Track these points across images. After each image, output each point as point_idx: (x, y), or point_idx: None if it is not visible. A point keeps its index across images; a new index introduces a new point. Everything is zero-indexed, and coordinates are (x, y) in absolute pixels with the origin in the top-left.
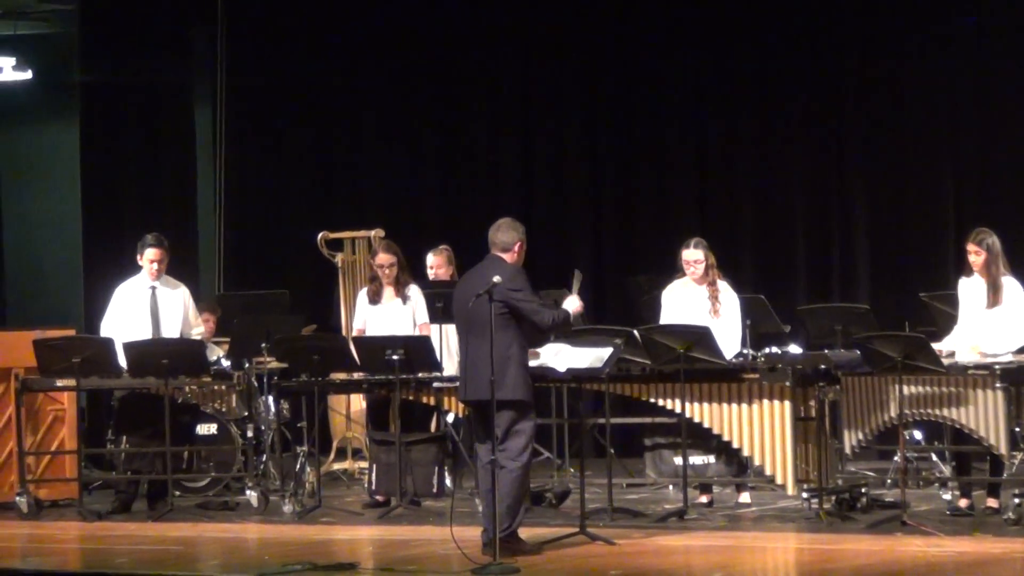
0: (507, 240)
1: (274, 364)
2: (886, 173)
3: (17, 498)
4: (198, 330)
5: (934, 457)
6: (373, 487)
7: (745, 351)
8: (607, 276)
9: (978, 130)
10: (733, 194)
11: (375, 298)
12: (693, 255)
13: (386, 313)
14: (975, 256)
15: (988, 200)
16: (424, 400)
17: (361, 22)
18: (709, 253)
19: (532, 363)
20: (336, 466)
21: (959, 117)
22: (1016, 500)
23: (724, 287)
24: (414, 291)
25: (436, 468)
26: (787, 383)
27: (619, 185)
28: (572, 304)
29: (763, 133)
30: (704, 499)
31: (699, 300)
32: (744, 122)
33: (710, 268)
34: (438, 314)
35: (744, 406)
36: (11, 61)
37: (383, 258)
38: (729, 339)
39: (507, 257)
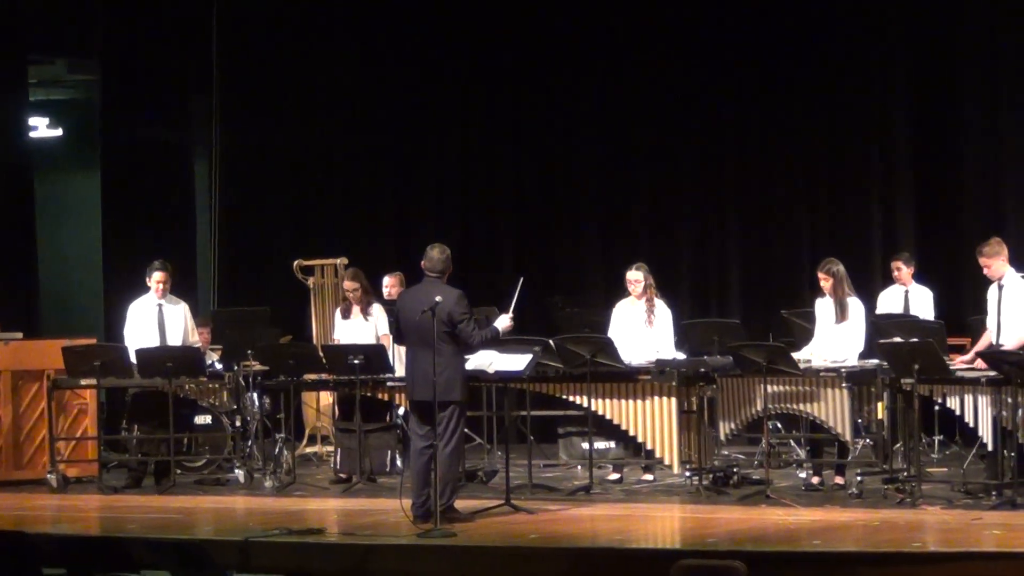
0: (440, 264)
1: (258, 367)
2: (756, 212)
3: (48, 475)
4: (195, 342)
5: (792, 443)
6: (338, 466)
7: (677, 356)
8: (529, 295)
9: (828, 176)
10: (632, 225)
11: (345, 315)
12: (633, 276)
13: (353, 327)
14: (824, 281)
15: (836, 235)
16: (380, 396)
17: (325, 90)
18: (648, 275)
19: (468, 366)
20: (308, 449)
21: (813, 167)
22: (859, 478)
23: (660, 304)
24: (376, 309)
25: (389, 451)
26: (673, 383)
27: (539, 218)
28: (503, 323)
29: (658, 175)
30: (615, 476)
31: (638, 314)
32: (644, 164)
33: (648, 287)
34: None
35: (639, 401)
36: (45, 121)
37: (348, 284)
38: (660, 346)
39: (443, 279)
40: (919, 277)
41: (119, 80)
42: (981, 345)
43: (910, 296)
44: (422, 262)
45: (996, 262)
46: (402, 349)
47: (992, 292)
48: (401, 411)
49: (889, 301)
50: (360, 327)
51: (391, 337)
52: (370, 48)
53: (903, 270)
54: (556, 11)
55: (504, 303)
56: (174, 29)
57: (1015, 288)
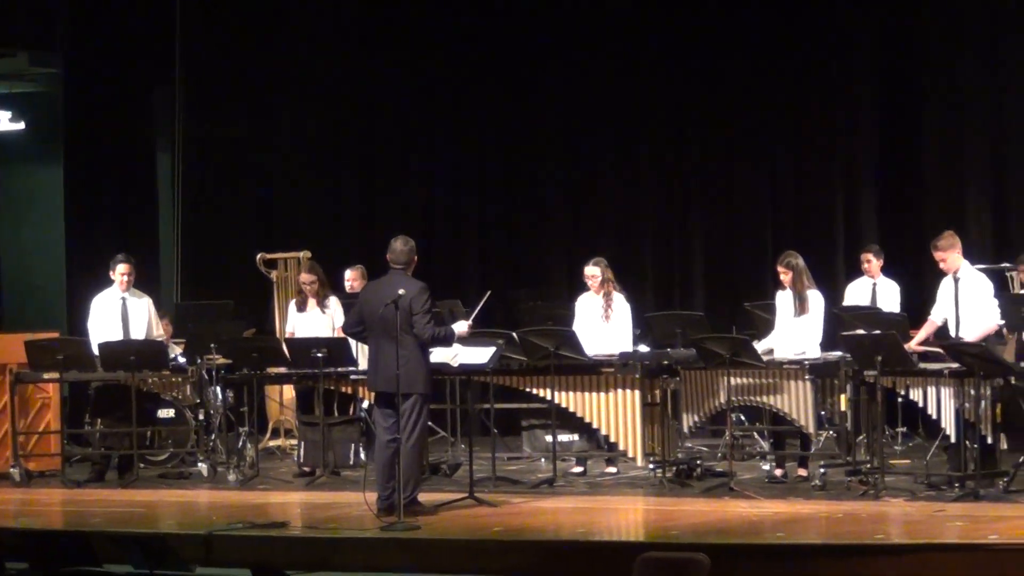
0: (404, 256)
1: (221, 360)
2: (719, 206)
3: (11, 469)
4: (160, 335)
5: (755, 435)
6: (301, 460)
7: (636, 349)
8: (492, 290)
9: (791, 170)
10: (596, 219)
11: (301, 307)
12: (590, 271)
13: (310, 320)
14: (783, 275)
15: (798, 228)
16: (343, 389)
17: (288, 84)
18: (606, 269)
19: (432, 359)
20: (271, 443)
21: (777, 162)
22: (821, 470)
23: (618, 298)
24: (332, 302)
25: (353, 444)
26: (637, 375)
27: (502, 211)
28: (460, 328)
29: (622, 169)
30: (578, 469)
31: (597, 307)
32: (607, 157)
33: (605, 281)
34: None
35: (602, 394)
36: (7, 115)
37: (305, 277)
38: (618, 339)
39: (407, 271)
40: (885, 270)
41: (82, 73)
42: (925, 333)
43: (877, 289)
44: (387, 254)
45: (951, 255)
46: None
47: (947, 285)
48: (365, 404)
49: (857, 293)
50: (316, 320)
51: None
52: (332, 42)
53: (872, 263)
54: (518, 7)
55: (468, 310)
56: (136, 22)
57: (972, 281)
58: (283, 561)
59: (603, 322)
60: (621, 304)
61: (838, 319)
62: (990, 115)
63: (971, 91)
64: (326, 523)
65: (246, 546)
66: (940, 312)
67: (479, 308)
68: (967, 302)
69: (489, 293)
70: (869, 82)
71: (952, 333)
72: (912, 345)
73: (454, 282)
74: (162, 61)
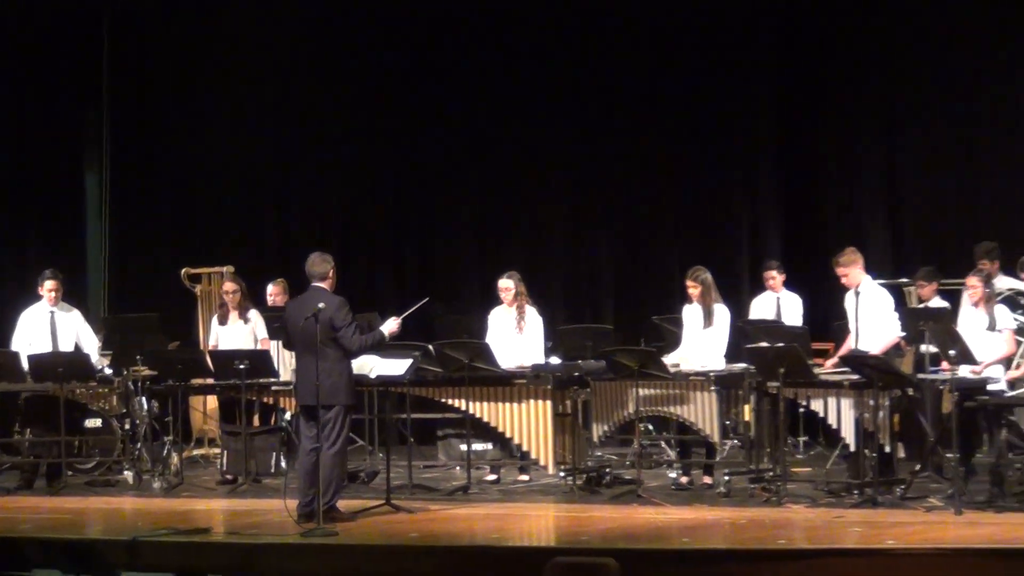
0: (322, 271)
1: (146, 372)
2: (628, 222)
3: None
4: (94, 344)
5: (663, 444)
6: (224, 468)
7: (547, 361)
8: (408, 301)
9: (697, 187)
10: (509, 235)
11: (223, 321)
12: (504, 284)
13: (232, 332)
14: (692, 289)
15: (705, 244)
16: (264, 400)
17: (211, 109)
18: (519, 283)
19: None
20: (195, 452)
21: (683, 180)
22: (726, 477)
23: (530, 311)
24: (253, 314)
25: (274, 453)
26: (548, 386)
27: (417, 228)
28: (389, 326)
29: (533, 186)
30: (492, 476)
31: (510, 320)
32: (519, 175)
33: (518, 295)
34: (275, 332)
35: (515, 404)
36: None
37: (228, 287)
38: (531, 351)
39: (325, 285)
40: (788, 285)
41: (11, 96)
42: (845, 349)
43: (781, 302)
44: (306, 270)
45: (852, 270)
46: (287, 354)
47: (849, 299)
48: (288, 415)
49: (762, 307)
50: (238, 331)
51: (279, 342)
52: (251, 65)
53: (776, 278)
54: (429, 37)
55: (401, 310)
56: (65, 46)
57: (872, 295)
58: (206, 566)
59: (516, 334)
60: (533, 317)
61: (743, 332)
62: (886, 139)
63: (868, 114)
64: (248, 529)
65: (170, 551)
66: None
67: (413, 309)
68: (867, 315)
69: (427, 299)
70: (771, 104)
71: (853, 345)
72: (831, 361)
73: (371, 297)
74: (90, 83)
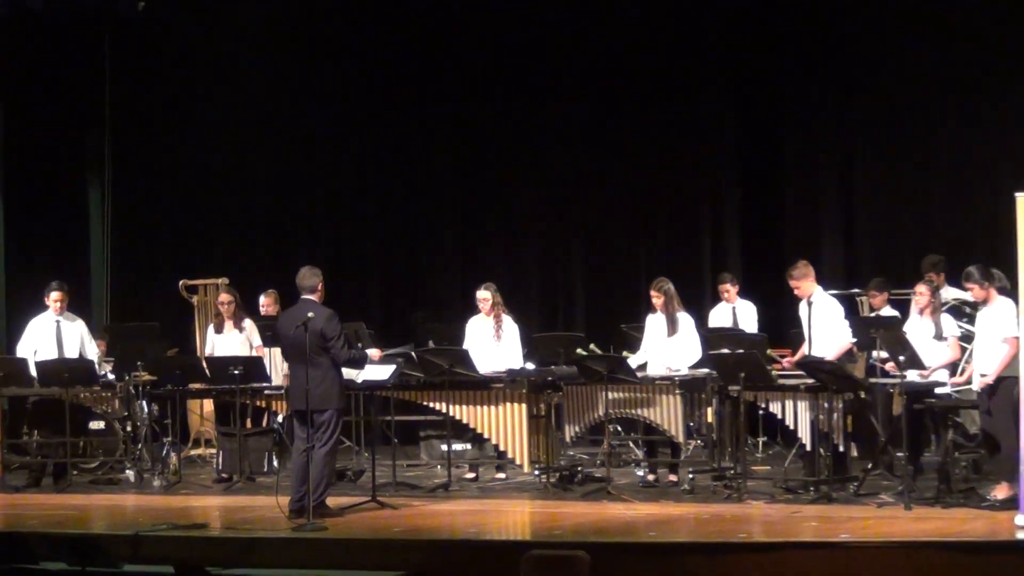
0: (311, 284)
1: (147, 377)
2: (598, 237)
3: None
4: (96, 352)
5: (631, 444)
6: (220, 467)
7: (523, 366)
8: (394, 311)
9: (663, 204)
10: (487, 248)
11: (219, 329)
12: (482, 295)
13: (227, 340)
14: (656, 298)
15: (669, 257)
16: (258, 403)
17: (209, 129)
18: (495, 294)
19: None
20: (193, 452)
21: (650, 197)
22: (690, 475)
23: (507, 320)
24: (248, 323)
25: (266, 453)
26: (524, 390)
27: (403, 241)
28: (373, 353)
29: (510, 203)
30: (471, 475)
31: (488, 329)
32: (497, 192)
33: (496, 305)
34: (267, 340)
35: (493, 407)
36: None
37: (223, 297)
38: (510, 357)
39: (315, 297)
40: (744, 294)
41: (19, 117)
42: (802, 354)
43: (737, 311)
44: (297, 283)
45: (805, 282)
46: (279, 360)
47: (802, 309)
48: (280, 417)
49: (719, 317)
50: (234, 340)
51: (275, 351)
52: (244, 89)
53: (731, 290)
54: (413, 60)
55: (371, 337)
56: (70, 71)
57: (823, 305)
58: (203, 558)
59: (495, 342)
60: (510, 325)
61: (705, 339)
62: (842, 158)
63: (825, 134)
64: (242, 524)
65: (170, 545)
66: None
67: (396, 351)
68: (820, 324)
69: (411, 346)
70: (734, 124)
71: (808, 352)
72: (789, 361)
73: (359, 306)
74: (94, 106)
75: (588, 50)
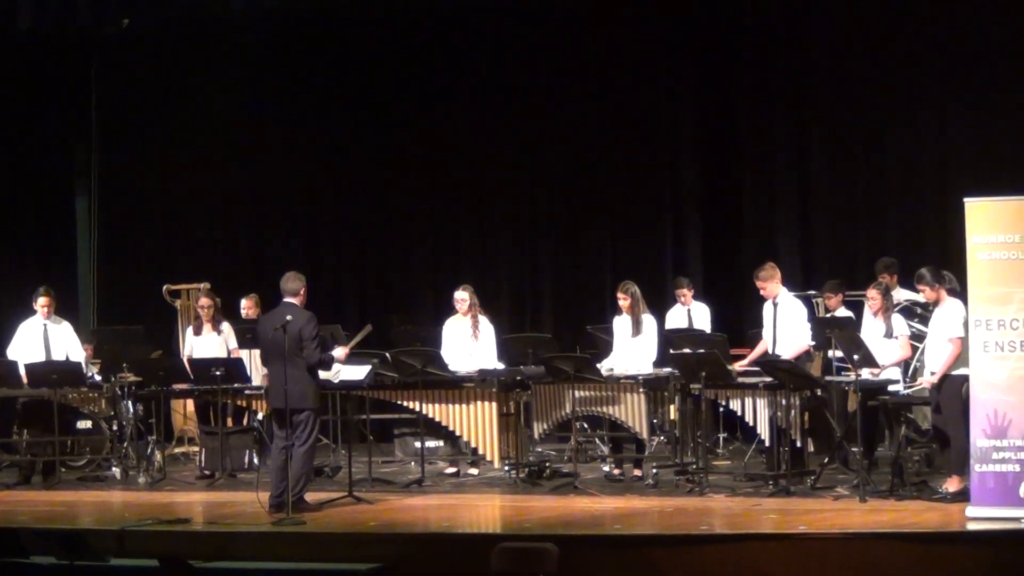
0: (294, 288)
1: (132, 378)
2: (565, 241)
3: None
4: (82, 354)
5: (597, 440)
6: (203, 464)
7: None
8: (369, 313)
9: (626, 210)
10: (458, 252)
11: (197, 332)
12: (460, 295)
13: (205, 342)
14: (622, 301)
15: (634, 260)
16: (238, 402)
17: (191, 138)
18: (472, 295)
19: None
20: (176, 450)
21: (614, 202)
22: (654, 470)
23: (483, 320)
24: (225, 326)
25: (247, 451)
26: (494, 389)
27: (377, 245)
28: (339, 353)
29: (480, 207)
30: (451, 470)
31: (465, 329)
32: (467, 196)
33: (473, 305)
34: (246, 342)
35: (464, 405)
36: None
37: (203, 301)
38: (486, 356)
39: (296, 301)
40: (701, 296)
41: (9, 128)
42: (757, 353)
43: (692, 313)
44: (280, 287)
45: (770, 284)
46: (259, 361)
47: (767, 309)
48: (260, 416)
49: (675, 319)
50: (212, 342)
51: (250, 351)
52: (230, 105)
53: (687, 294)
54: (387, 67)
55: (347, 335)
56: (57, 83)
57: (788, 306)
58: (187, 552)
59: (472, 341)
60: (487, 325)
61: (669, 340)
62: (799, 164)
63: (782, 140)
64: (224, 519)
65: (154, 539)
66: (767, 333)
67: (358, 339)
68: (784, 324)
69: (369, 328)
70: (693, 131)
71: (770, 351)
72: (743, 363)
73: (336, 309)
74: (81, 119)
75: (556, 57)
